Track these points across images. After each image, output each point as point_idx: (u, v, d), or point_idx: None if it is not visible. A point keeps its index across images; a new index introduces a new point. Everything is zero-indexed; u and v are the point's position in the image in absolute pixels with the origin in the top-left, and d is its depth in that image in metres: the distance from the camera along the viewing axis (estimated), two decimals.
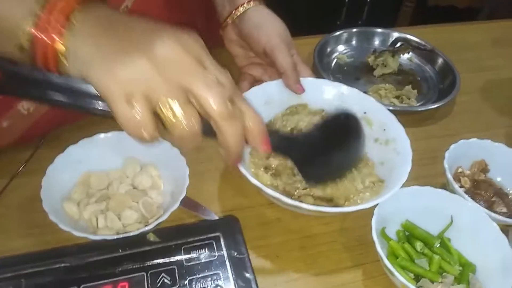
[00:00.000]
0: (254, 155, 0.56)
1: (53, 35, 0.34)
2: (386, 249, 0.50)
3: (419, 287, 0.48)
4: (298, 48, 0.65)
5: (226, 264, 0.46)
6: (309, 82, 0.62)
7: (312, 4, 1.55)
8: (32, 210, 0.51)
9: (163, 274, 0.44)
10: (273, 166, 0.56)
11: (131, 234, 0.46)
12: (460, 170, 0.61)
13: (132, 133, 0.35)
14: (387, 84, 0.77)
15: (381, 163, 0.57)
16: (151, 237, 0.47)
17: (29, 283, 0.42)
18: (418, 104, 0.74)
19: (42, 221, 0.46)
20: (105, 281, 0.43)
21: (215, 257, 0.46)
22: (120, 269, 0.44)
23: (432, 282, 0.48)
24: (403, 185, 0.51)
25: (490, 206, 0.57)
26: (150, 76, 0.34)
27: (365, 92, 0.73)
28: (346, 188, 0.53)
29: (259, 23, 0.62)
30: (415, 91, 0.76)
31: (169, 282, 0.44)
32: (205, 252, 0.46)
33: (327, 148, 0.47)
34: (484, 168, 0.61)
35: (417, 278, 0.49)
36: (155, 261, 0.45)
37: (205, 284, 0.44)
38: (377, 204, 0.49)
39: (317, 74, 0.74)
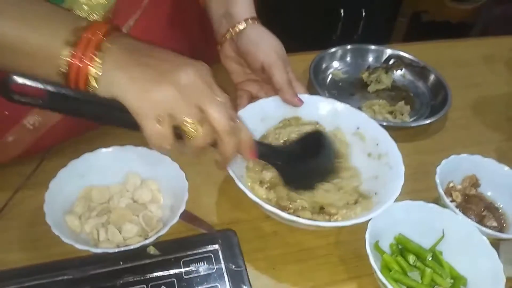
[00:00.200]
0: (250, 169, 0.58)
1: (87, 62, 0.42)
2: (380, 262, 0.52)
3: None
4: (294, 64, 0.67)
5: (224, 277, 0.47)
6: (304, 98, 0.64)
7: (308, 19, 1.58)
8: (34, 223, 0.52)
9: (163, 286, 0.45)
10: (267, 179, 0.57)
11: (132, 247, 0.47)
12: (451, 184, 0.62)
13: (156, 144, 0.44)
14: (380, 100, 0.79)
15: (375, 177, 0.59)
16: (152, 250, 0.48)
17: None
18: (410, 120, 0.76)
19: (44, 234, 0.48)
20: None
21: (214, 270, 0.47)
22: (121, 282, 0.45)
23: None
24: (396, 199, 0.52)
25: (480, 220, 0.59)
26: (176, 100, 0.42)
27: (359, 108, 0.76)
28: (332, 196, 0.56)
29: (257, 40, 0.64)
30: (408, 107, 0.78)
31: None
32: (204, 265, 0.47)
33: (303, 158, 0.56)
34: (475, 183, 0.63)
35: None
36: (155, 274, 0.46)
37: None
38: (371, 218, 0.50)
39: (313, 90, 0.76)
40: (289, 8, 1.57)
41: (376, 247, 0.52)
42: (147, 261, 0.47)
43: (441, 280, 0.50)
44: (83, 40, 0.42)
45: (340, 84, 0.84)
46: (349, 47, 0.88)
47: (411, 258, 0.52)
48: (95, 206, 0.54)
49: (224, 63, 0.69)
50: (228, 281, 0.46)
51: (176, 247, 0.48)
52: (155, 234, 0.49)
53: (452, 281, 0.51)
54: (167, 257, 0.47)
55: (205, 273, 0.47)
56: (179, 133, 0.44)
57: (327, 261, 0.54)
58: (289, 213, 0.50)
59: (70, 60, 0.42)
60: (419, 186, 0.61)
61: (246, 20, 0.64)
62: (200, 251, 0.48)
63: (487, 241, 0.51)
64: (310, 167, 0.56)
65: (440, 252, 0.53)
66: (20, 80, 0.40)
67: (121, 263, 0.46)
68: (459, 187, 0.63)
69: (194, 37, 0.75)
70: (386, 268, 0.51)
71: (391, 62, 0.84)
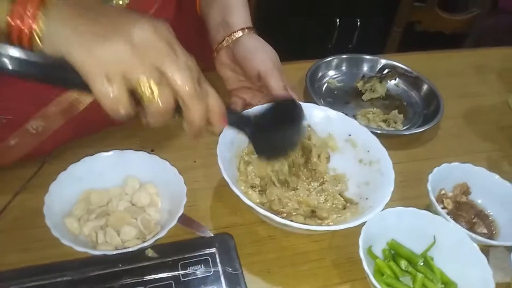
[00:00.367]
0: (242, 172, 0.59)
1: (29, 20, 0.38)
2: (372, 267, 0.53)
3: None
4: (290, 72, 0.69)
5: (221, 280, 0.48)
6: None
7: (304, 28, 1.60)
8: (34, 225, 0.52)
9: None
10: (257, 183, 0.59)
11: (130, 249, 0.48)
12: (443, 192, 0.64)
13: (109, 108, 0.39)
14: (375, 108, 0.81)
15: (366, 183, 0.60)
16: (150, 253, 0.49)
17: None
18: (404, 128, 0.78)
19: (43, 235, 0.48)
20: None
21: (211, 273, 0.48)
22: (119, 284, 0.46)
23: None
24: (389, 206, 0.54)
25: (471, 227, 0.61)
26: (129, 57, 0.38)
27: (354, 116, 0.78)
28: (317, 198, 0.58)
29: (253, 49, 0.65)
30: (401, 115, 0.80)
31: None
32: (201, 268, 0.48)
33: (274, 126, 0.52)
34: (465, 191, 0.64)
35: None
36: (153, 276, 0.47)
37: None
38: (364, 223, 0.51)
39: (309, 98, 0.77)
40: (285, 18, 1.59)
41: (369, 252, 0.53)
42: (145, 263, 0.48)
43: (432, 285, 0.52)
44: None
45: (335, 92, 0.85)
46: (344, 56, 0.90)
47: (403, 263, 0.53)
48: (94, 209, 0.55)
49: (219, 70, 0.70)
50: (225, 283, 0.48)
51: (174, 250, 0.49)
52: (153, 237, 0.50)
53: (443, 286, 0.52)
54: (165, 260, 0.49)
55: (202, 275, 0.48)
56: (138, 99, 0.40)
57: (321, 265, 0.55)
58: (282, 217, 0.51)
59: (9, 17, 0.38)
60: (411, 193, 0.63)
61: (242, 29, 0.66)
62: (197, 254, 0.49)
63: (478, 248, 0.52)
64: (279, 136, 0.54)
65: (432, 258, 0.54)
66: None
67: (120, 265, 0.47)
68: (450, 194, 0.64)
69: (193, 48, 0.76)
70: (379, 273, 0.52)
71: (385, 71, 0.86)
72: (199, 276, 0.48)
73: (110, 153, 0.57)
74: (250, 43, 0.66)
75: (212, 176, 0.63)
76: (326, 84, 0.86)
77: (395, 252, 0.55)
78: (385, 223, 0.54)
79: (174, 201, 0.55)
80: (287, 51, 0.70)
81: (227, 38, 0.67)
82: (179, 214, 0.52)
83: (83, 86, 0.38)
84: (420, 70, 0.88)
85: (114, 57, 0.38)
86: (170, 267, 0.48)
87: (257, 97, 0.68)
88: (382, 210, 0.53)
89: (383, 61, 0.89)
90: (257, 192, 0.58)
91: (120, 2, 0.57)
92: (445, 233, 0.54)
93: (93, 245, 0.51)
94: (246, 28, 0.66)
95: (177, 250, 0.50)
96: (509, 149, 0.77)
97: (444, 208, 0.62)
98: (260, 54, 0.65)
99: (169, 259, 0.49)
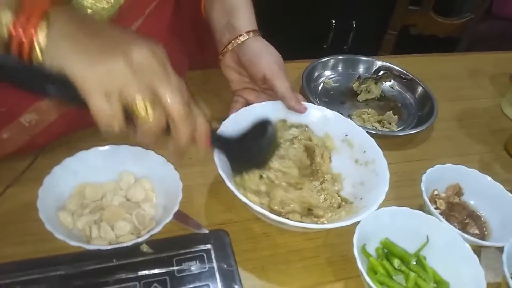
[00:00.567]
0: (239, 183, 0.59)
1: (30, 32, 0.38)
2: (366, 265, 0.53)
3: None
4: (287, 72, 0.68)
5: (216, 276, 0.48)
6: None
7: (300, 29, 1.61)
8: (27, 219, 0.52)
9: (155, 284, 0.46)
10: (263, 190, 0.58)
11: (125, 244, 0.48)
12: (436, 192, 0.64)
13: (104, 124, 0.39)
14: (370, 109, 0.82)
15: (361, 183, 0.61)
16: (145, 248, 0.49)
17: None
18: (398, 129, 0.79)
19: (37, 229, 0.48)
20: None
21: (206, 269, 0.48)
22: (114, 278, 0.46)
23: None
24: (383, 205, 0.54)
25: (463, 228, 0.61)
26: (127, 75, 0.39)
27: (349, 116, 0.78)
28: (317, 197, 0.59)
29: (259, 52, 0.66)
30: (396, 116, 0.80)
31: None
32: (196, 263, 0.48)
33: (247, 143, 0.55)
34: (458, 192, 0.65)
35: None
36: (148, 272, 0.47)
37: None
38: (359, 222, 0.52)
39: (305, 97, 0.77)
40: (282, 18, 1.60)
41: (363, 250, 0.53)
42: (140, 258, 0.48)
43: (424, 284, 0.52)
44: (27, 6, 0.38)
45: (331, 92, 0.86)
46: (341, 57, 0.91)
47: (396, 262, 0.54)
48: (88, 203, 0.54)
49: (224, 72, 0.71)
50: (220, 280, 0.47)
51: (169, 246, 0.49)
52: (148, 232, 0.50)
53: (435, 285, 0.53)
54: (160, 255, 0.48)
55: (197, 271, 0.48)
56: (131, 118, 0.41)
57: (315, 262, 0.55)
58: (276, 215, 0.51)
59: (11, 27, 0.38)
60: (405, 193, 0.63)
61: (248, 33, 0.67)
62: (192, 250, 0.49)
63: (470, 248, 0.53)
64: (251, 150, 0.55)
65: (424, 257, 0.55)
66: None
67: (114, 260, 0.47)
68: (443, 195, 0.65)
69: (190, 44, 0.76)
70: (372, 271, 0.53)
71: (380, 73, 0.87)
72: (194, 272, 0.48)
73: (106, 147, 0.57)
74: (255, 47, 0.66)
75: (208, 173, 0.63)
76: (322, 84, 0.87)
77: (388, 251, 0.56)
78: (379, 222, 0.54)
79: (169, 197, 0.55)
80: (283, 51, 0.70)
81: (232, 41, 0.67)
82: (175, 210, 0.51)
83: (80, 101, 0.38)
84: (415, 73, 0.88)
85: (113, 74, 0.38)
86: (165, 263, 0.48)
87: (261, 98, 0.68)
88: (376, 209, 0.54)
89: (378, 63, 0.90)
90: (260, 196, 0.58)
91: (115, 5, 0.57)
92: (438, 233, 0.55)
93: (87, 240, 0.51)
94: (252, 31, 0.67)
95: (172, 245, 0.49)
96: (501, 152, 0.78)
97: (437, 208, 0.63)
98: (265, 58, 0.65)
99: (164, 254, 0.48)
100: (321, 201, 0.59)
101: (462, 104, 0.89)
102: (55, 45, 0.38)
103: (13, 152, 0.57)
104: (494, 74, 1.00)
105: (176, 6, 0.70)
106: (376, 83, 0.85)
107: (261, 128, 0.56)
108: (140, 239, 0.49)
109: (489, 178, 0.64)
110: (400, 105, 0.85)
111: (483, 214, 0.64)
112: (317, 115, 0.67)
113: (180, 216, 0.54)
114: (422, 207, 0.60)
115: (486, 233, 0.61)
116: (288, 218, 0.53)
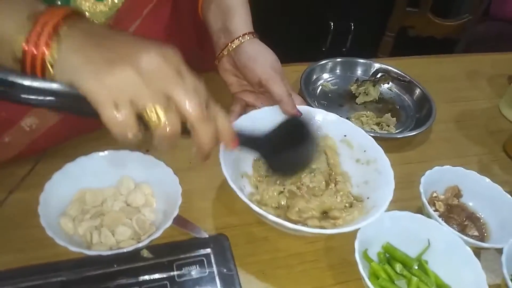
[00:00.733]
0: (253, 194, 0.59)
1: (42, 48, 0.39)
2: (367, 270, 0.53)
3: None
4: (285, 75, 0.69)
5: (216, 280, 0.48)
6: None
7: (299, 31, 1.61)
8: (28, 225, 0.52)
9: None
10: (283, 203, 0.59)
11: (126, 250, 0.48)
12: (435, 194, 0.65)
13: (118, 133, 0.39)
14: (368, 112, 0.82)
15: (365, 182, 0.61)
16: (145, 253, 0.49)
17: None
18: (396, 131, 0.79)
19: (38, 235, 0.48)
20: None
21: (206, 274, 0.48)
22: (115, 284, 0.46)
23: None
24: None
25: (462, 230, 0.61)
26: (136, 84, 0.38)
27: (348, 118, 0.78)
28: (334, 199, 0.59)
29: (254, 56, 0.65)
30: (394, 119, 0.81)
31: None
32: (196, 268, 0.48)
33: (286, 144, 0.53)
34: (457, 194, 0.65)
35: None
36: (149, 277, 0.47)
37: None
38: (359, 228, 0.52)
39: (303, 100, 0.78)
40: (280, 20, 1.61)
41: (365, 255, 0.53)
42: (141, 264, 0.48)
43: None
44: (39, 24, 0.39)
45: (329, 95, 0.86)
46: (339, 59, 0.91)
47: (398, 267, 0.54)
48: (89, 209, 0.54)
49: (222, 75, 0.71)
50: (220, 284, 0.48)
51: (169, 251, 0.49)
52: (148, 237, 0.50)
53: None
54: (160, 260, 0.48)
55: (197, 276, 0.48)
56: (147, 124, 0.41)
57: (315, 266, 0.55)
58: (278, 217, 0.51)
59: (24, 45, 0.39)
60: (403, 195, 0.63)
61: (243, 35, 0.66)
62: (192, 254, 0.49)
63: (471, 251, 0.53)
64: (294, 154, 0.54)
65: (426, 261, 0.55)
66: None
67: (115, 265, 0.47)
68: (442, 197, 0.65)
69: (190, 46, 0.76)
70: (374, 276, 0.53)
71: (378, 75, 0.87)
72: (194, 277, 0.48)
73: (106, 152, 0.57)
74: (251, 50, 0.66)
75: (207, 177, 0.63)
76: (320, 87, 0.87)
77: (390, 256, 0.56)
78: (380, 227, 0.55)
79: (169, 202, 0.55)
80: (282, 53, 0.70)
81: (228, 45, 0.67)
82: (174, 215, 0.52)
83: (93, 113, 0.39)
84: (412, 75, 0.89)
85: (121, 84, 0.38)
86: (165, 268, 0.48)
87: (260, 100, 0.68)
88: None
89: (376, 65, 0.90)
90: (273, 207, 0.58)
91: (116, 1, 0.57)
92: (439, 237, 0.55)
93: (87, 245, 0.51)
94: (247, 33, 0.66)
95: (172, 250, 0.50)
96: (499, 153, 0.78)
97: (436, 210, 0.63)
98: (260, 62, 0.65)
99: (164, 259, 0.49)
100: (338, 201, 0.59)
101: (460, 105, 0.89)
102: (65, 60, 0.39)
103: (14, 156, 0.57)
104: (492, 75, 1.00)
105: (174, 8, 0.70)
106: (374, 86, 0.85)
107: (295, 125, 0.55)
108: (140, 244, 0.49)
109: (487, 180, 0.64)
110: (398, 107, 0.86)
111: (482, 216, 0.64)
112: (316, 118, 0.67)
113: (179, 220, 0.55)
114: (421, 209, 0.60)
115: (485, 234, 0.62)
116: (306, 225, 0.54)
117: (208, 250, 0.50)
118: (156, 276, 0.47)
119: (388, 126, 0.79)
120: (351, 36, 1.63)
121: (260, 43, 0.67)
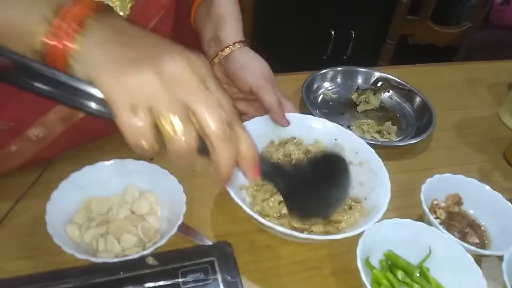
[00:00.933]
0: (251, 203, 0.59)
1: (64, 41, 0.36)
2: (370, 277, 0.54)
3: None
4: (286, 84, 0.70)
5: (220, 287, 0.49)
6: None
7: (300, 39, 1.63)
8: (35, 233, 0.53)
9: None
10: (283, 212, 0.58)
11: (131, 257, 0.49)
12: (435, 202, 0.65)
13: (132, 140, 0.36)
14: (369, 120, 0.83)
15: (360, 183, 0.62)
16: (150, 261, 0.49)
17: None
18: (397, 139, 0.80)
19: (44, 243, 0.49)
20: None
21: (210, 281, 0.49)
22: None
23: None
24: (384, 216, 0.55)
25: (463, 237, 0.62)
26: (156, 89, 0.35)
27: (348, 127, 0.79)
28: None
29: (245, 64, 0.66)
30: (395, 127, 0.82)
31: None
32: (201, 275, 0.49)
33: (314, 183, 0.48)
34: (458, 201, 0.66)
35: None
36: (154, 284, 0.47)
37: None
38: (362, 233, 0.53)
39: (304, 109, 0.79)
40: (281, 29, 1.62)
41: (367, 262, 0.54)
42: (146, 271, 0.48)
43: None
44: (63, 15, 0.37)
45: (330, 103, 0.87)
46: (339, 68, 0.92)
47: (400, 274, 0.54)
48: (95, 217, 0.55)
49: None
50: None
51: (174, 258, 0.50)
52: (153, 245, 0.51)
53: None
54: (165, 268, 0.49)
55: (202, 283, 0.48)
56: None
57: (318, 273, 0.56)
58: (283, 226, 0.52)
59: (46, 37, 0.36)
60: (404, 203, 0.64)
61: (234, 44, 0.67)
62: (197, 262, 0.50)
63: (472, 259, 0.53)
64: (321, 197, 0.48)
65: (427, 269, 0.55)
66: None
67: (121, 272, 0.48)
68: (443, 204, 0.66)
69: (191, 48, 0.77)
70: (376, 283, 0.53)
71: (379, 84, 0.88)
72: (199, 284, 0.48)
73: (111, 161, 0.58)
74: (241, 59, 0.66)
75: (211, 185, 0.63)
76: (321, 96, 0.88)
77: (391, 263, 0.56)
78: (381, 234, 0.55)
79: (173, 210, 0.56)
80: (283, 61, 0.71)
81: (218, 54, 0.67)
82: (179, 223, 0.52)
83: (108, 114, 0.37)
84: (412, 83, 0.90)
85: (140, 87, 0.35)
86: (170, 275, 0.49)
87: (253, 107, 0.69)
88: (379, 221, 0.54)
89: (377, 74, 0.91)
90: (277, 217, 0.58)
91: (121, 14, 0.58)
92: (440, 245, 0.56)
93: (93, 253, 0.52)
94: (238, 42, 0.67)
95: (177, 258, 0.50)
96: (499, 161, 0.79)
97: (437, 218, 0.64)
98: (251, 70, 0.66)
99: (169, 266, 0.49)
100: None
101: (460, 113, 0.90)
102: (88, 55, 0.37)
103: (20, 166, 0.58)
104: (492, 83, 1.01)
105: (176, 21, 0.71)
106: (374, 94, 0.86)
107: (328, 162, 0.50)
108: (145, 252, 0.50)
109: (488, 188, 0.64)
110: (399, 115, 0.87)
111: (483, 223, 0.64)
112: (305, 124, 0.68)
113: (184, 228, 0.55)
114: (422, 217, 0.61)
115: (486, 242, 0.62)
116: (312, 231, 0.55)
117: (212, 258, 0.51)
118: (162, 283, 0.48)
119: (389, 134, 0.80)
120: (352, 44, 1.64)
121: (250, 51, 0.68)
